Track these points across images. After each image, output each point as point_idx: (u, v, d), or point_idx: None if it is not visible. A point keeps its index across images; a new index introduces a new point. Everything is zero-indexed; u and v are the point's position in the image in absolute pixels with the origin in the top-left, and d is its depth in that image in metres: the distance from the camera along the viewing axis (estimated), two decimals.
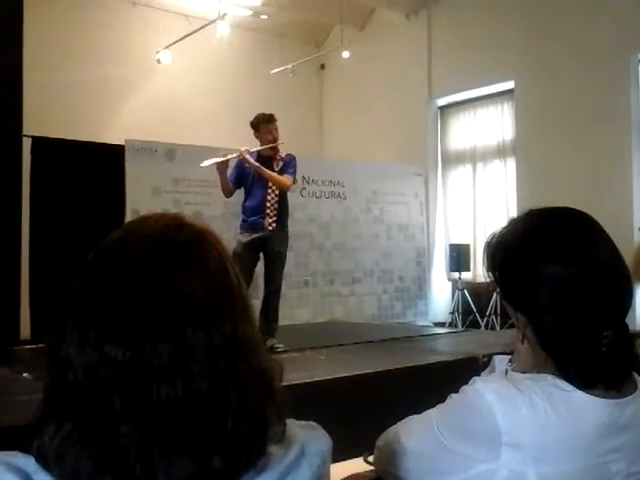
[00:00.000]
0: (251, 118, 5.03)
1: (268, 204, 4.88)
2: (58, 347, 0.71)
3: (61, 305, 0.74)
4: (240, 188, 5.03)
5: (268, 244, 4.85)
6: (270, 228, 4.86)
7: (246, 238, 4.83)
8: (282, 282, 5.04)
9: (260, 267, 4.95)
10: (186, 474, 0.67)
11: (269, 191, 4.89)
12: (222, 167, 4.87)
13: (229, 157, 4.88)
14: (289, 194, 5.13)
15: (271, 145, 4.90)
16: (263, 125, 4.91)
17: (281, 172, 4.92)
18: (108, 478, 0.66)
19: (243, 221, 4.93)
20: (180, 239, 0.76)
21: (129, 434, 0.66)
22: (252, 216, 4.89)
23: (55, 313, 0.74)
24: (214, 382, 0.69)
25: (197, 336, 0.70)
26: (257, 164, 4.82)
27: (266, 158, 4.91)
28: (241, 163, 4.95)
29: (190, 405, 0.68)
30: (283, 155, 4.98)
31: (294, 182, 5.10)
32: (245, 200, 4.99)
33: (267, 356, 0.78)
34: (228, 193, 5.04)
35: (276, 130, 4.95)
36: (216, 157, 4.89)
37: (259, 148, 4.91)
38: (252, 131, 5.00)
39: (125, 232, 0.78)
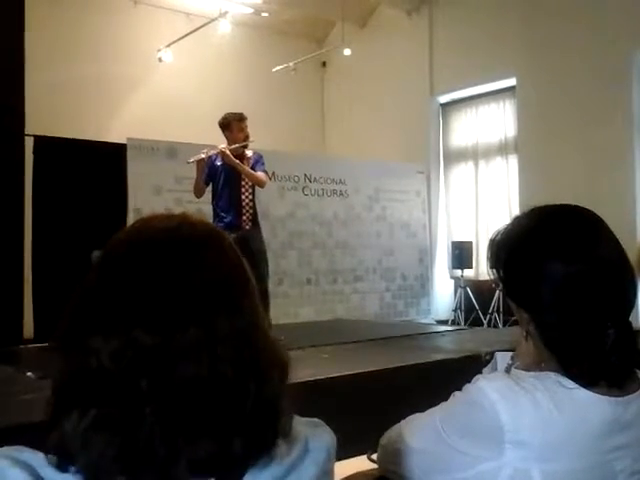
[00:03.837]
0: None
1: (243, 202, 4.94)
2: (76, 336, 0.72)
3: (75, 297, 0.75)
4: (208, 186, 5.07)
5: (249, 244, 4.79)
6: (247, 227, 4.92)
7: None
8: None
9: None
10: (208, 455, 0.68)
11: (243, 190, 4.94)
12: (202, 164, 4.92)
13: (211, 153, 4.93)
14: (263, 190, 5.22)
15: (245, 143, 4.97)
16: (235, 123, 4.98)
17: (253, 169, 4.98)
18: (133, 460, 0.67)
19: (219, 222, 4.83)
20: (197, 233, 0.78)
21: (154, 415, 0.67)
22: (227, 216, 4.92)
23: (68, 305, 0.75)
24: (237, 367, 0.71)
25: (224, 323, 0.72)
26: (237, 161, 4.88)
27: (237, 157, 4.94)
28: (211, 162, 4.99)
29: (214, 387, 0.69)
30: (250, 154, 5.04)
31: (269, 178, 5.22)
32: (217, 200, 5.01)
33: (284, 349, 0.80)
34: (200, 193, 5.07)
35: (247, 127, 5.01)
36: (199, 154, 4.93)
37: (235, 146, 4.94)
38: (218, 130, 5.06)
39: (140, 226, 0.80)
